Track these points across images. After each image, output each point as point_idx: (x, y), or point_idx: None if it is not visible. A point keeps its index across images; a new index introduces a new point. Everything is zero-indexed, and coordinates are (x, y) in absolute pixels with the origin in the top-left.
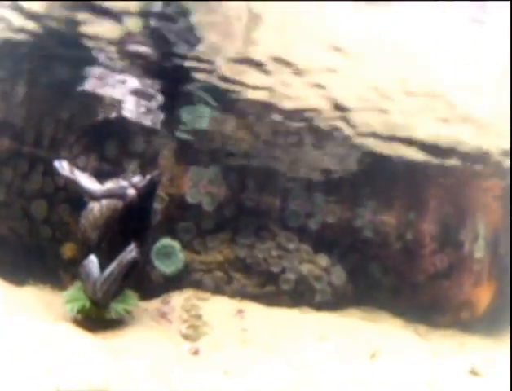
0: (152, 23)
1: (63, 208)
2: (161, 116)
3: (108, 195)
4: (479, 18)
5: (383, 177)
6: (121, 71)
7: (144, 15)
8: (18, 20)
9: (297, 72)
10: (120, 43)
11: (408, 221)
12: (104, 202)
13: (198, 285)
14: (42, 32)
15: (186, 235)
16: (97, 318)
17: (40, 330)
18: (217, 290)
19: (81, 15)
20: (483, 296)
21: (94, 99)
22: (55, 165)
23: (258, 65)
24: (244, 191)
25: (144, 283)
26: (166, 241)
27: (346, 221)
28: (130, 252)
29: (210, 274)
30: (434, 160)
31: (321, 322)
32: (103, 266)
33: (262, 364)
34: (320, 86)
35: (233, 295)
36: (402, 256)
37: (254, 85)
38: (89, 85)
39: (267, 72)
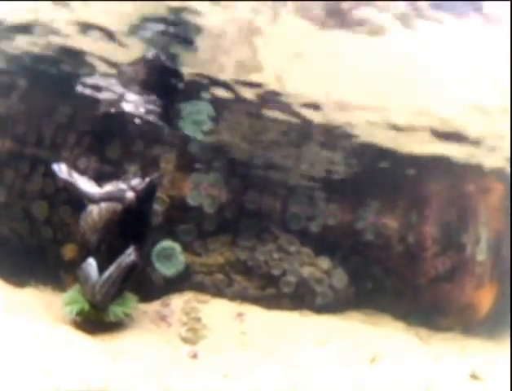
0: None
1: (64, 210)
2: (163, 117)
3: (107, 197)
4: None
5: (385, 178)
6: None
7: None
8: None
9: None
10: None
11: (410, 224)
12: (103, 205)
13: (199, 287)
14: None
15: (187, 237)
16: (96, 320)
17: (39, 331)
18: (217, 292)
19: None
20: (485, 299)
21: (95, 101)
22: (54, 168)
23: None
24: (245, 193)
25: (145, 285)
26: (167, 243)
27: (347, 223)
28: (129, 255)
29: (211, 276)
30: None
31: (322, 326)
32: (102, 269)
33: (262, 367)
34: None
35: (234, 297)
36: (404, 259)
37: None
38: (88, 90)
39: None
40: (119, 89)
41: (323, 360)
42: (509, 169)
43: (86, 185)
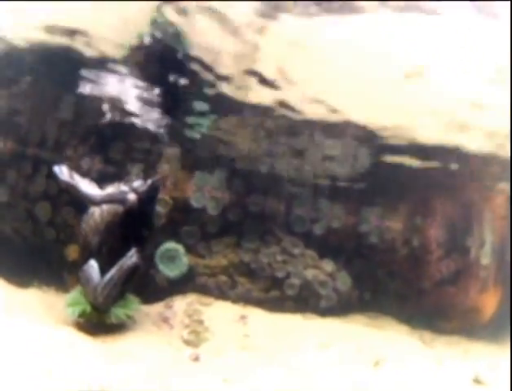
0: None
1: (67, 211)
2: (165, 119)
3: (108, 200)
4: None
5: (389, 181)
6: (124, 74)
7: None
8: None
9: None
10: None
11: (415, 227)
12: (105, 207)
13: (202, 289)
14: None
15: (190, 238)
16: (98, 322)
17: (40, 332)
18: (221, 294)
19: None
20: (489, 303)
21: (98, 101)
22: (55, 170)
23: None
24: (248, 195)
25: (148, 286)
26: (170, 245)
27: (351, 226)
28: (131, 257)
29: (214, 278)
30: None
31: (325, 329)
32: (103, 271)
33: (263, 370)
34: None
35: (237, 299)
36: (408, 262)
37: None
38: (89, 88)
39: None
40: (120, 86)
41: (325, 363)
42: (510, 168)
43: (87, 187)
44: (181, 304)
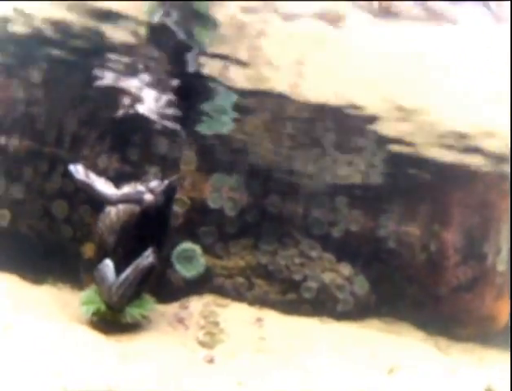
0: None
1: (84, 209)
2: (182, 119)
3: (125, 200)
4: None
5: (408, 185)
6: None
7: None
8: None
9: None
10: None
11: (433, 232)
12: (121, 206)
13: (219, 290)
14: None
15: (207, 239)
16: (112, 321)
17: (53, 330)
18: (237, 296)
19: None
20: (504, 310)
21: (114, 96)
22: (70, 169)
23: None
24: (266, 196)
25: (164, 286)
26: (187, 245)
27: (369, 230)
28: (147, 257)
29: (231, 279)
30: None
31: (341, 333)
32: (119, 270)
33: (278, 374)
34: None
35: (254, 301)
36: (425, 267)
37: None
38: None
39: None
40: (135, 82)
41: (340, 368)
42: (510, 168)
43: (103, 186)
44: (197, 305)
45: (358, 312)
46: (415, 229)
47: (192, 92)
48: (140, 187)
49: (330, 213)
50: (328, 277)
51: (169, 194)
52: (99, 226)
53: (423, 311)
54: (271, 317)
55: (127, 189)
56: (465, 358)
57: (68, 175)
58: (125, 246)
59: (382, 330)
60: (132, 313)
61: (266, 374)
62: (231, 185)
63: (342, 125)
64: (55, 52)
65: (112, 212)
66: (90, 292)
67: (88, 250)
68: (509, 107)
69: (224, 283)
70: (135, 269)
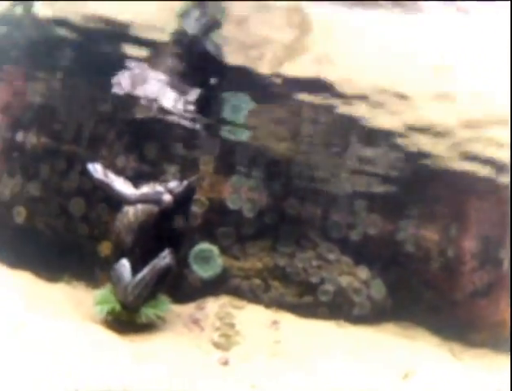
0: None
1: (101, 207)
2: (202, 118)
3: (143, 200)
4: None
5: (427, 188)
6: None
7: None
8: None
9: None
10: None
11: (450, 237)
12: (139, 206)
13: (235, 292)
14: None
15: (225, 240)
16: (127, 321)
17: (65, 329)
18: (254, 298)
19: None
20: None
21: (133, 99)
22: (89, 168)
23: None
24: (285, 198)
25: (181, 286)
26: (205, 245)
27: (388, 233)
28: (164, 257)
29: (248, 281)
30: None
31: (357, 337)
32: (135, 270)
33: (291, 379)
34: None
35: (270, 304)
36: (442, 272)
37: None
38: (125, 85)
39: None
40: (155, 84)
41: (355, 373)
42: (510, 171)
43: (121, 186)
44: (213, 306)
45: (374, 316)
46: (433, 233)
47: (212, 94)
48: (159, 188)
49: (349, 216)
50: (345, 280)
51: (188, 195)
52: (116, 226)
53: (439, 316)
54: (287, 319)
55: (146, 189)
56: (477, 363)
57: (85, 173)
58: (143, 246)
59: (398, 334)
60: (147, 313)
61: (280, 377)
62: (250, 186)
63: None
64: (75, 51)
65: (130, 211)
66: (104, 291)
67: (105, 248)
68: (509, 106)
69: (241, 285)
70: (152, 269)
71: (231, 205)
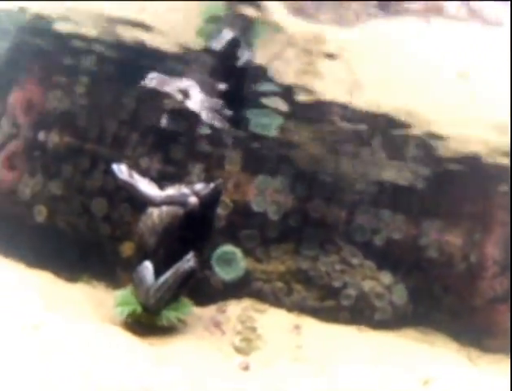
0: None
1: (124, 207)
2: (228, 120)
3: (169, 202)
4: None
5: (451, 192)
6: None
7: None
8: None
9: None
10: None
11: (474, 242)
12: (164, 208)
13: (257, 294)
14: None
15: (249, 242)
16: (148, 323)
17: (85, 330)
18: (276, 301)
19: None
20: None
21: (159, 99)
22: (113, 169)
23: None
24: (310, 200)
25: (202, 288)
26: (228, 248)
27: (411, 238)
28: (188, 261)
29: (270, 284)
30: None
31: (378, 342)
32: (158, 273)
33: (312, 385)
34: None
35: (292, 307)
36: (464, 278)
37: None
38: (151, 85)
39: None
40: (183, 84)
41: (376, 379)
42: (510, 167)
43: (146, 187)
44: (235, 309)
45: (395, 321)
46: (457, 238)
47: (240, 94)
48: (185, 190)
49: (373, 220)
50: (367, 285)
51: (214, 197)
52: (139, 227)
53: (458, 322)
54: (309, 324)
55: (171, 191)
56: (492, 369)
57: (109, 173)
58: (167, 248)
59: (418, 340)
60: (168, 316)
61: (301, 383)
62: (275, 187)
63: (388, 132)
64: (101, 52)
65: (155, 213)
66: (125, 293)
67: (127, 249)
68: (509, 106)
69: (263, 288)
70: (175, 272)
71: (257, 207)
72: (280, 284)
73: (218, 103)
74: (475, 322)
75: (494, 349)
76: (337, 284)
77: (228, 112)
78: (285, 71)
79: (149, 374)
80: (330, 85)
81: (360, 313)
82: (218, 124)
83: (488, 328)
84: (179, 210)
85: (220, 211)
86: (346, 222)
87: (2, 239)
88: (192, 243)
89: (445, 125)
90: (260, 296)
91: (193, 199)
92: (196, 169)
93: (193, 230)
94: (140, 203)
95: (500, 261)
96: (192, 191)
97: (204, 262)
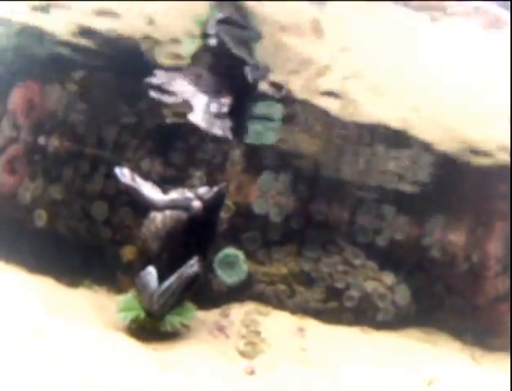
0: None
1: (125, 211)
2: (230, 122)
3: (172, 206)
4: None
5: (453, 192)
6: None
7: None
8: None
9: None
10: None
11: (476, 242)
12: (168, 212)
13: (259, 297)
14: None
15: (251, 245)
16: (151, 329)
17: (87, 336)
18: (278, 303)
19: None
20: None
21: (161, 102)
22: (116, 172)
23: None
24: (312, 201)
25: (205, 291)
26: (230, 250)
27: (414, 238)
28: (192, 266)
29: (273, 286)
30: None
31: (381, 343)
32: (162, 278)
33: (318, 388)
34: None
35: (295, 309)
36: (466, 277)
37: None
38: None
39: None
40: (185, 88)
41: (380, 380)
42: (510, 167)
43: (149, 191)
44: (238, 312)
45: (398, 321)
46: (459, 238)
47: (242, 100)
48: (188, 193)
49: (376, 221)
50: (370, 286)
51: (218, 201)
52: (142, 232)
53: (461, 321)
54: (313, 326)
55: (175, 195)
56: (495, 368)
57: (110, 177)
58: (170, 253)
59: (421, 340)
60: (172, 321)
61: (306, 386)
62: (277, 189)
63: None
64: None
65: (158, 218)
66: (127, 298)
67: (128, 253)
68: (510, 109)
69: (265, 290)
70: (179, 277)
71: (259, 210)
72: (282, 286)
73: (222, 109)
74: (478, 321)
75: (497, 347)
76: (339, 285)
77: (231, 120)
78: None
79: (153, 379)
80: None
81: (363, 314)
82: (219, 132)
83: (491, 327)
84: (183, 214)
85: (222, 214)
86: (349, 223)
87: (3, 244)
88: (195, 247)
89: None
90: (263, 299)
91: (197, 204)
92: (198, 172)
93: (197, 235)
94: (141, 207)
95: (502, 259)
96: (195, 195)
97: (207, 266)
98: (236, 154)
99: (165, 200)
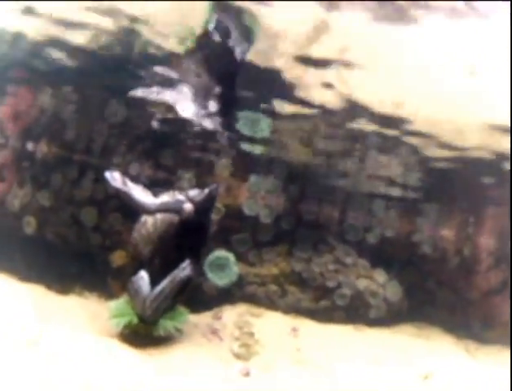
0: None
1: (114, 217)
2: (219, 124)
3: (163, 209)
4: None
5: (442, 189)
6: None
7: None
8: None
9: None
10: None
11: (467, 236)
12: (159, 216)
13: (251, 298)
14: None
15: (241, 246)
16: (145, 334)
17: (81, 343)
18: (270, 304)
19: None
20: None
21: (149, 105)
22: (106, 176)
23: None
24: (302, 202)
25: (196, 295)
26: (221, 253)
27: (404, 235)
28: (184, 269)
29: (264, 287)
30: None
31: (375, 340)
32: (154, 282)
33: (314, 388)
34: None
35: (287, 310)
36: (458, 272)
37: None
38: (141, 91)
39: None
40: (173, 95)
41: (376, 376)
42: (510, 167)
43: (140, 195)
44: (231, 314)
45: (391, 318)
46: (450, 233)
47: (232, 99)
48: (179, 196)
49: (366, 219)
50: (362, 284)
51: (209, 203)
52: (133, 236)
53: (454, 316)
54: (306, 325)
55: (166, 198)
56: (490, 361)
57: (98, 182)
58: (162, 257)
59: (414, 335)
60: (165, 325)
61: (302, 386)
62: (267, 189)
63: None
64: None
65: (149, 221)
66: (119, 304)
67: (117, 258)
68: (509, 106)
69: (257, 291)
70: (172, 281)
71: (248, 211)
72: (274, 287)
73: (213, 106)
74: (471, 314)
75: (491, 340)
76: (331, 284)
77: (222, 116)
78: None
79: (150, 384)
80: None
81: (356, 311)
82: (210, 126)
83: (485, 320)
84: (174, 217)
85: (212, 216)
86: (339, 222)
87: None
88: (187, 250)
89: None
90: (254, 300)
91: (188, 206)
92: (187, 174)
93: (188, 237)
94: (131, 211)
95: (494, 253)
96: (186, 198)
97: (199, 269)
98: (226, 156)
99: (156, 204)
